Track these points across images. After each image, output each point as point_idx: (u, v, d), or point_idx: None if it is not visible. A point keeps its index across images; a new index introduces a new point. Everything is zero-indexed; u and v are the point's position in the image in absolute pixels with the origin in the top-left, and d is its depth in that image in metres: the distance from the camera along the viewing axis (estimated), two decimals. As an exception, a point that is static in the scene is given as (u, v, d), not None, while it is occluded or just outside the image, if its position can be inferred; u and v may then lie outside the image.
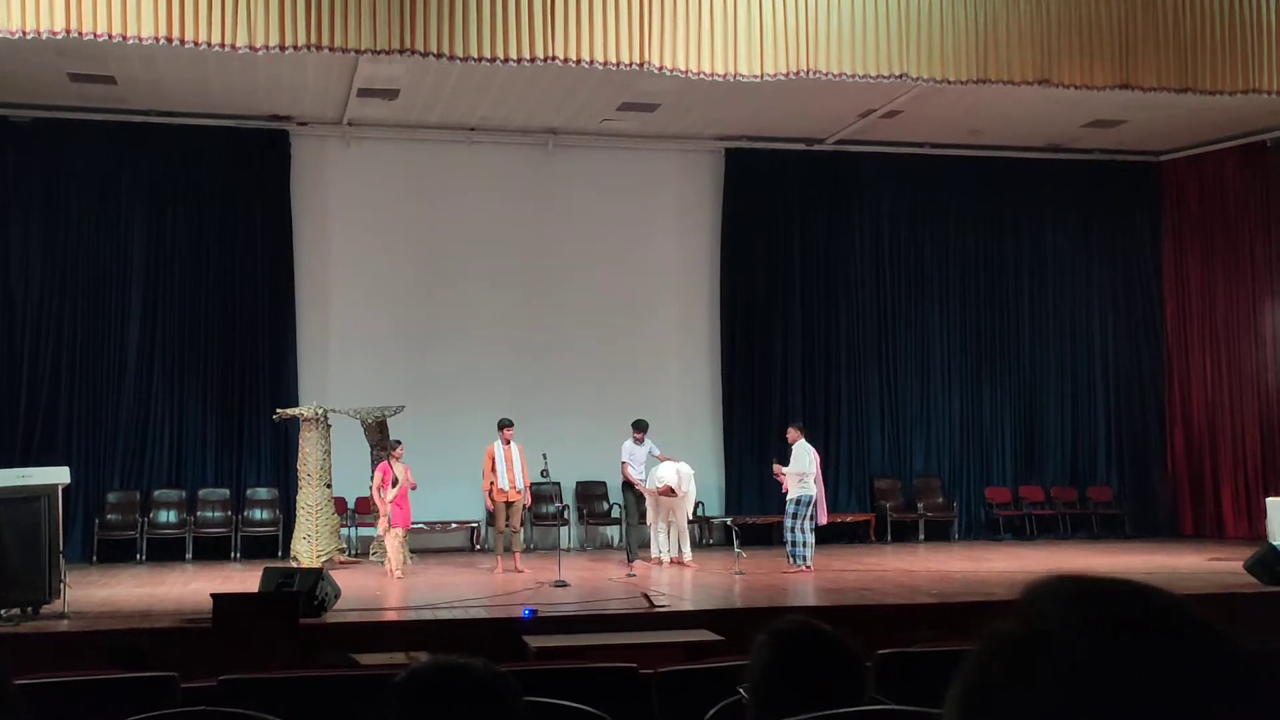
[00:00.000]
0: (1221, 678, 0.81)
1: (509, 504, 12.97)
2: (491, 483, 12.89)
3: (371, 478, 13.27)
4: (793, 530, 12.75)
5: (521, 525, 13.48)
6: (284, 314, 15.63)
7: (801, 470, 12.78)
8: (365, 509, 14.74)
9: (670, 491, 13.23)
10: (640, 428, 13.62)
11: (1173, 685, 0.80)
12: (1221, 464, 17.22)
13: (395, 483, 12.60)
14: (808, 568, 12.59)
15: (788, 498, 12.88)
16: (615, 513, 15.43)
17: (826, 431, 16.76)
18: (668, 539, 13.60)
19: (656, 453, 13.62)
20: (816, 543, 13.01)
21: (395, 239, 16.07)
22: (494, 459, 12.93)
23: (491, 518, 13.44)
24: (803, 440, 13.00)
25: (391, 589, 11.50)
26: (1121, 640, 0.82)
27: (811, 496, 12.78)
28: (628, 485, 13.61)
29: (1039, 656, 0.83)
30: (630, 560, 13.21)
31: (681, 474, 13.24)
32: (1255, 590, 10.57)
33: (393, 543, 12.57)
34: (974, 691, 0.86)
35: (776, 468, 13.19)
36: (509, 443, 12.98)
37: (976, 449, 17.46)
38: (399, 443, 13.11)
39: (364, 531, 14.97)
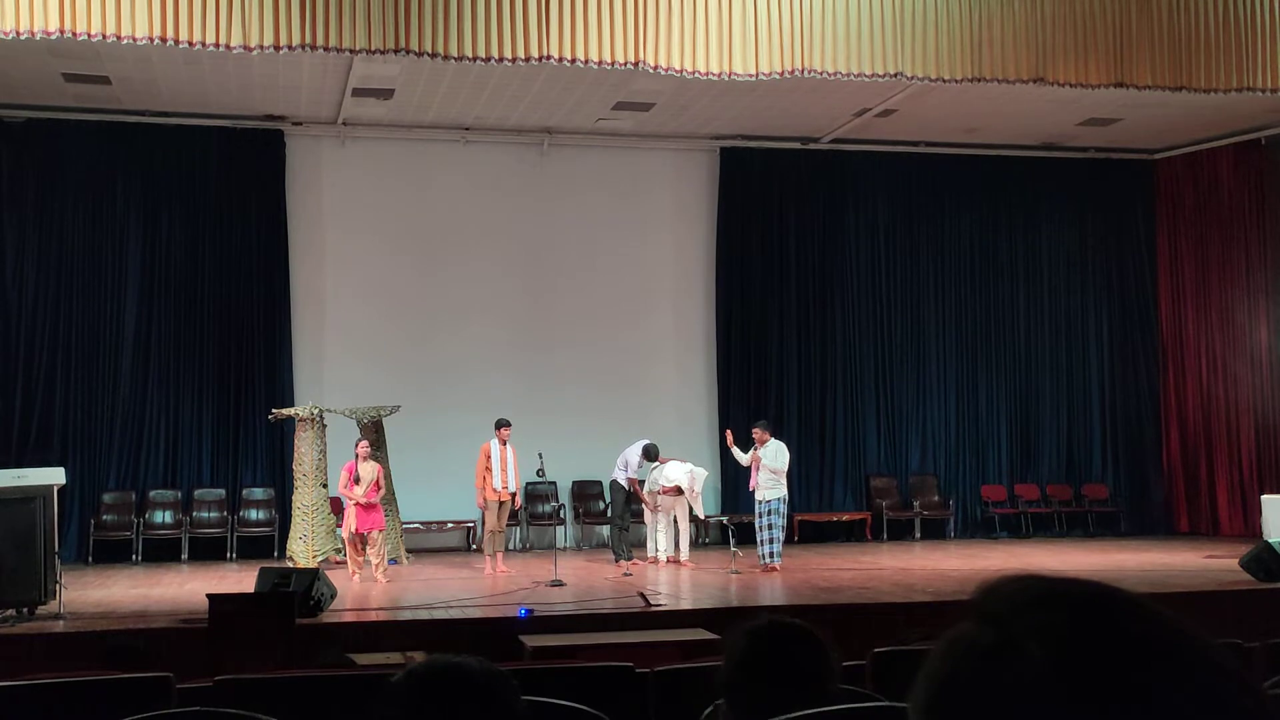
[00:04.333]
0: (1195, 684, 0.80)
1: (501, 504, 12.96)
2: (485, 481, 12.85)
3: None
4: (783, 529, 12.78)
5: (506, 527, 13.43)
6: (279, 314, 15.61)
7: (781, 468, 12.81)
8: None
9: (677, 491, 13.24)
10: (650, 454, 13.41)
11: (1146, 696, 0.79)
12: (1217, 461, 17.23)
13: (359, 481, 12.19)
14: (777, 566, 12.60)
15: (769, 497, 12.68)
16: (611, 512, 15.42)
17: (822, 430, 16.79)
18: (667, 538, 13.60)
19: None
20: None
21: (390, 239, 16.04)
22: (490, 458, 12.90)
23: (483, 517, 13.38)
24: (773, 439, 12.99)
25: (387, 589, 11.47)
26: (1092, 651, 0.80)
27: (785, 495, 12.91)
28: (616, 484, 13.58)
29: (1008, 666, 0.81)
30: (617, 560, 13.21)
31: (695, 475, 13.27)
32: (1251, 587, 10.60)
33: (364, 547, 12.06)
34: (939, 698, 0.85)
35: (728, 436, 13.40)
36: (505, 443, 12.94)
37: (972, 447, 17.47)
38: (361, 440, 12.77)
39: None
